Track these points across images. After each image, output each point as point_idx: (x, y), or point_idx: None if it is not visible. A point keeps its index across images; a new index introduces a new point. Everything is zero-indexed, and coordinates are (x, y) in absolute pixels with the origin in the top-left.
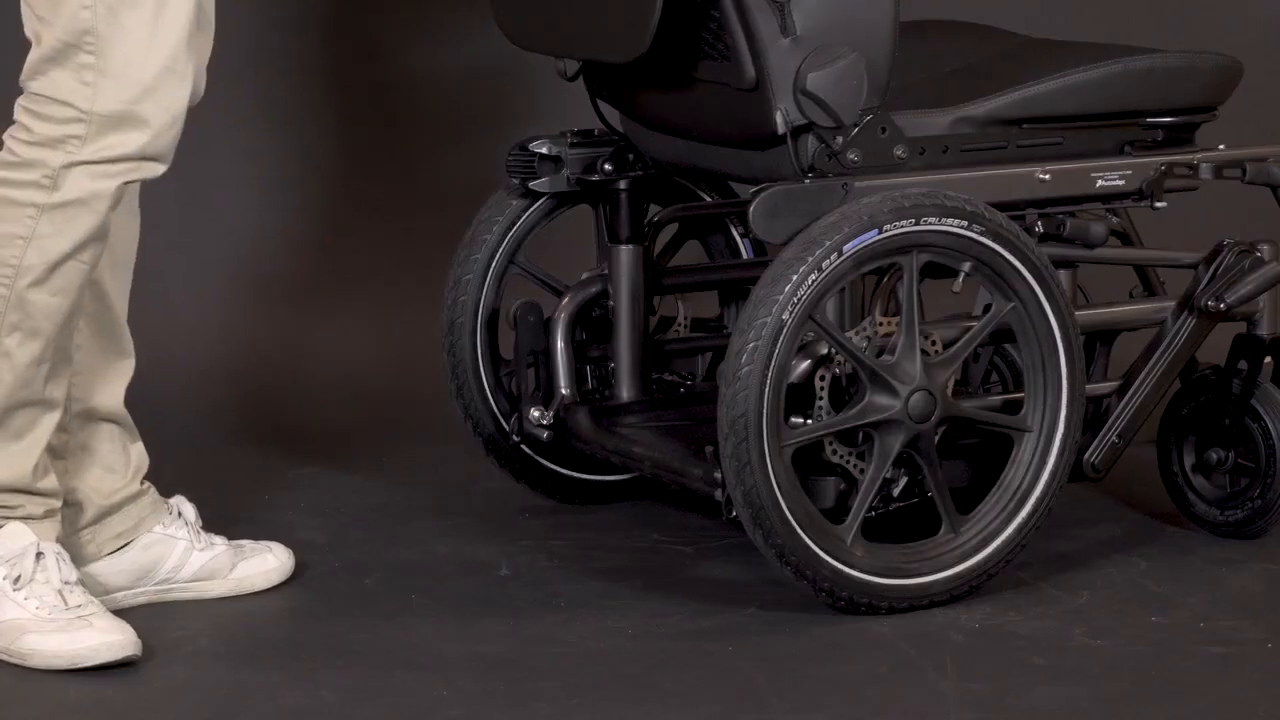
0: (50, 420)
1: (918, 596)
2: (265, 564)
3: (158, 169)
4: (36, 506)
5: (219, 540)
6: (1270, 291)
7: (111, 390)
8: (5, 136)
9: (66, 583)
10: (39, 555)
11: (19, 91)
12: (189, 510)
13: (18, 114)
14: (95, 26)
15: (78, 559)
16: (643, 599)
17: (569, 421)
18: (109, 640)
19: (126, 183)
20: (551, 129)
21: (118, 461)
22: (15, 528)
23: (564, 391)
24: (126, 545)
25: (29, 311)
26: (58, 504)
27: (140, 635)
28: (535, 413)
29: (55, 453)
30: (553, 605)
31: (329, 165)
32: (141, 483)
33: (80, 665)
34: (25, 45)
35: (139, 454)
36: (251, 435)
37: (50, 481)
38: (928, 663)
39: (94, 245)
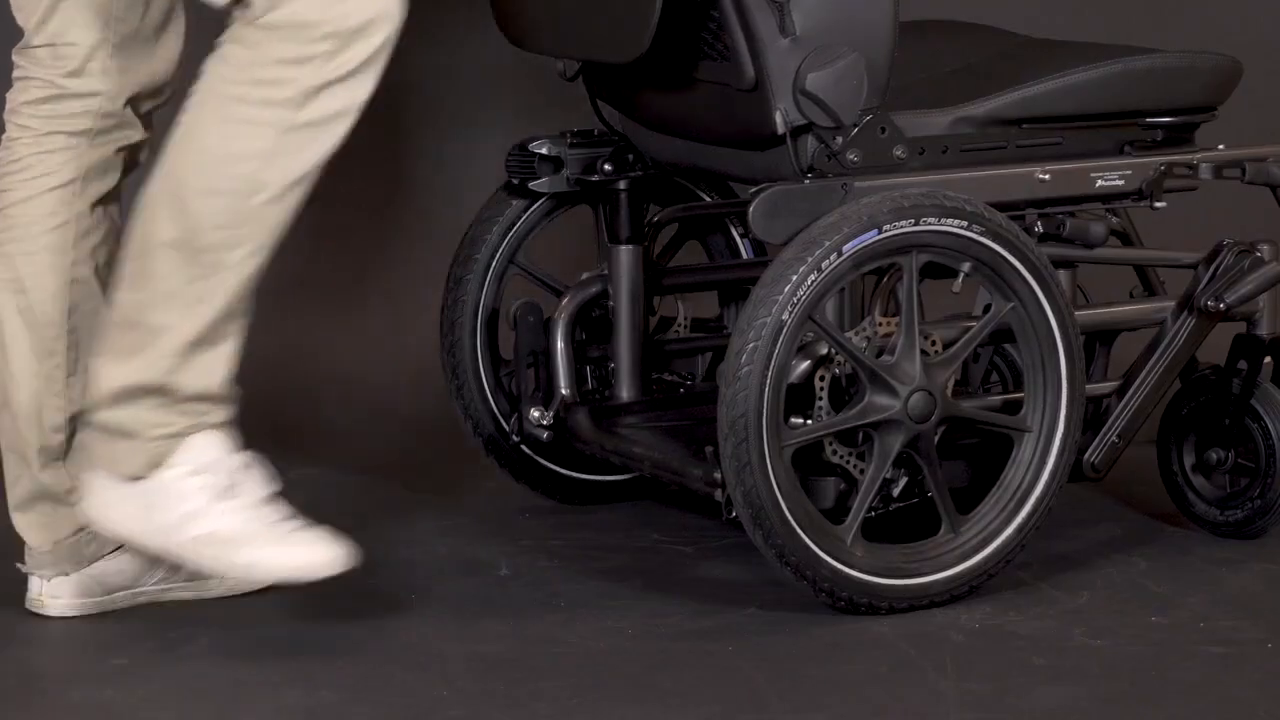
0: (242, 330)
1: (918, 596)
2: None
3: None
4: (222, 414)
5: None
6: (1270, 291)
7: None
8: (225, 52)
9: (270, 493)
10: (242, 465)
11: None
12: None
13: (240, 39)
14: None
15: (77, 559)
16: (643, 599)
17: (569, 421)
18: (327, 553)
19: (364, 101)
20: (551, 129)
21: None
22: (211, 437)
23: (564, 391)
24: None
25: (261, 228)
26: (231, 415)
27: (140, 636)
28: (535, 413)
29: (56, 452)
30: (553, 605)
31: (328, 165)
32: None
33: (300, 578)
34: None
35: None
36: (251, 435)
37: (231, 391)
38: (928, 663)
39: (318, 172)
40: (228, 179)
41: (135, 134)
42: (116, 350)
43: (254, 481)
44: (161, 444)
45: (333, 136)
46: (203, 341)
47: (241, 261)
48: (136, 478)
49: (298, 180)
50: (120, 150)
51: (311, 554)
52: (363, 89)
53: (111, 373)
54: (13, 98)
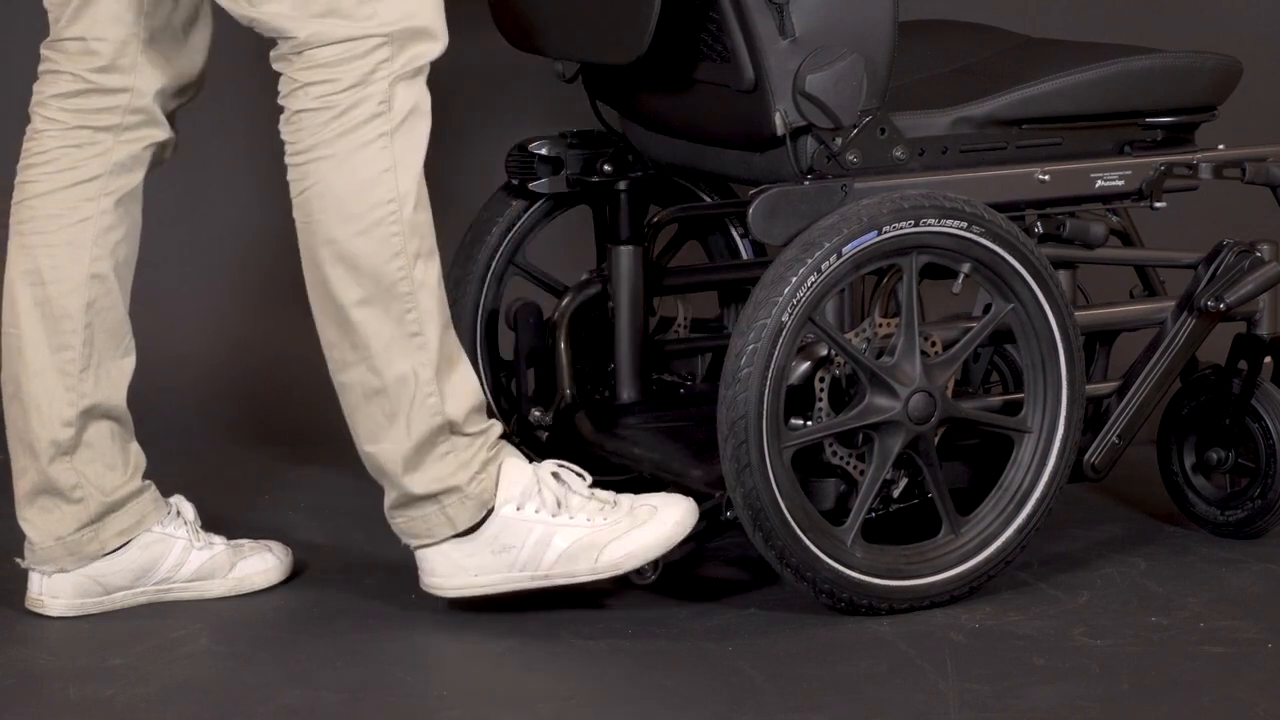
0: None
1: (918, 597)
2: (264, 563)
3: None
4: (498, 426)
5: (218, 540)
6: (1270, 291)
7: (116, 387)
8: (294, 109)
9: (589, 485)
10: (550, 474)
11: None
12: (188, 510)
13: (296, 81)
14: None
15: (79, 556)
16: (643, 599)
17: (569, 422)
18: (677, 512)
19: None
20: (551, 129)
21: (117, 459)
22: (512, 463)
23: (564, 392)
24: (127, 543)
25: (421, 234)
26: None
27: (140, 636)
28: (535, 413)
29: (65, 446)
30: (553, 605)
31: None
32: (143, 479)
33: (671, 545)
34: (31, 51)
35: (137, 452)
36: (251, 435)
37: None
38: (928, 663)
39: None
40: (374, 208)
41: (161, 132)
42: (377, 426)
43: (573, 482)
44: (482, 481)
45: (426, 120)
46: (446, 363)
47: (427, 274)
48: (472, 529)
49: (420, 172)
50: (147, 148)
51: (664, 522)
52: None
53: (391, 448)
54: (41, 90)
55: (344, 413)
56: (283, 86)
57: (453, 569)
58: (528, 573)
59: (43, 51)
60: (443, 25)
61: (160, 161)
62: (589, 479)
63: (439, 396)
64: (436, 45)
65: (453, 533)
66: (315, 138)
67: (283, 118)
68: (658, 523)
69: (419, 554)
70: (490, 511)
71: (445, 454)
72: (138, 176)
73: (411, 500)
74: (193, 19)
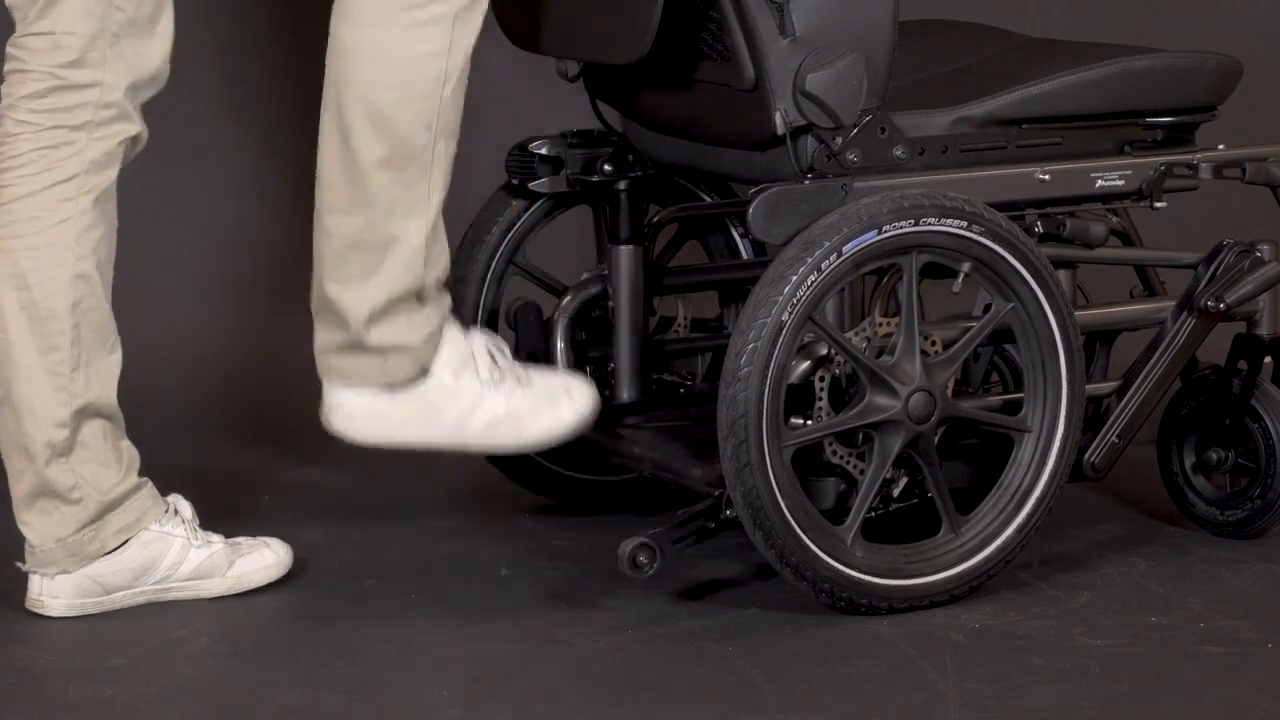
0: None
1: (918, 597)
2: (263, 560)
3: None
4: (449, 297)
5: (216, 538)
6: (1270, 291)
7: (106, 385)
8: None
9: (517, 363)
10: (484, 347)
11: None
12: (186, 508)
13: None
14: None
15: (80, 556)
16: (643, 599)
17: None
18: (583, 392)
19: None
20: (551, 129)
21: (111, 457)
22: (453, 332)
23: None
24: (127, 542)
25: (454, 114)
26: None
27: (140, 636)
28: None
29: (60, 448)
30: (553, 605)
31: None
32: (139, 476)
33: (583, 426)
34: None
35: (129, 448)
36: (251, 435)
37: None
38: (928, 663)
39: None
40: (421, 80)
41: (133, 126)
42: (352, 275)
43: (503, 358)
44: (429, 347)
45: (484, 5)
46: (432, 234)
47: (446, 151)
48: (406, 385)
49: (467, 59)
50: (120, 143)
51: (580, 404)
52: None
53: (360, 297)
54: (10, 92)
55: (314, 247)
56: None
57: (374, 417)
58: (449, 434)
59: (9, 50)
60: None
61: (132, 157)
62: (508, 353)
63: (424, 264)
64: None
65: (386, 383)
66: (376, 4)
67: None
68: (574, 405)
69: (337, 394)
70: (426, 372)
71: (408, 313)
72: (112, 173)
73: (358, 348)
74: (157, 10)
